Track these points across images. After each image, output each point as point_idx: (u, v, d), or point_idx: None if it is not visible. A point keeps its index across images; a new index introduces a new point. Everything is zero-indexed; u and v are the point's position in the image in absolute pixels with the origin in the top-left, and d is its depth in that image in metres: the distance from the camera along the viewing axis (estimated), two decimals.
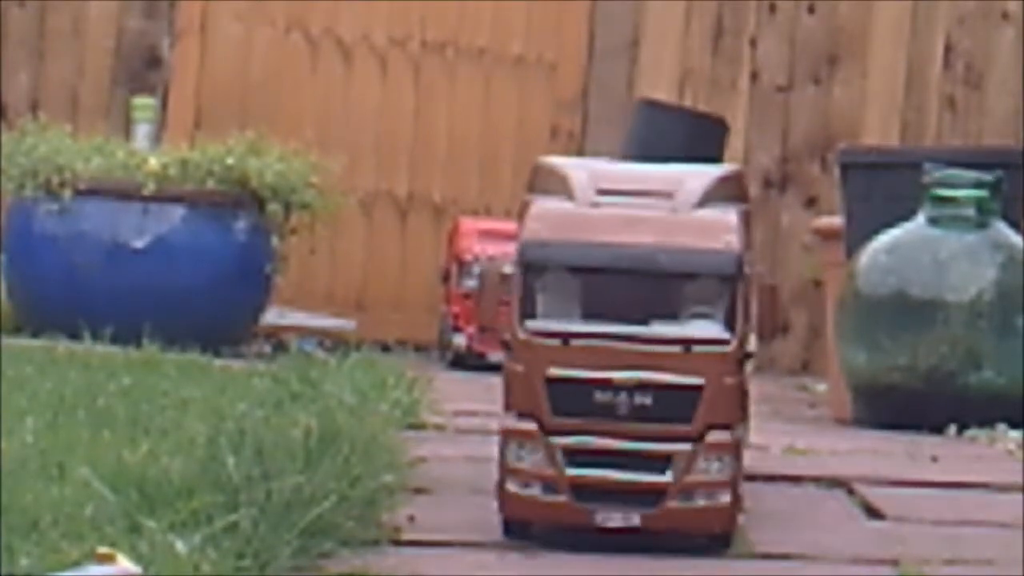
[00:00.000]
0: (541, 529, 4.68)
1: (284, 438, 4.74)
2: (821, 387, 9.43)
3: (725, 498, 4.59)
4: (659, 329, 4.63)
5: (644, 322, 4.62)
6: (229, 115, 9.45)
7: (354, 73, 9.92)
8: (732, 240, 4.67)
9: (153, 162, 8.64)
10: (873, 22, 9.87)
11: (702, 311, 4.67)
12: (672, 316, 4.65)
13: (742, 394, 4.74)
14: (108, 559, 3.14)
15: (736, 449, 4.66)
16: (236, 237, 8.59)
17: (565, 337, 4.60)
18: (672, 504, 4.56)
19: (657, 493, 4.57)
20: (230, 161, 8.56)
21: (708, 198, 4.77)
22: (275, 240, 8.62)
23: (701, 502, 4.58)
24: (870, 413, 7.80)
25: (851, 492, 5.65)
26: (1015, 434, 7.59)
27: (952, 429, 7.62)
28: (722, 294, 4.66)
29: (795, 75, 9.78)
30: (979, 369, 7.88)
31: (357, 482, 4.62)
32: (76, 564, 3.14)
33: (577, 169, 4.95)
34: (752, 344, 4.85)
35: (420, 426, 6.42)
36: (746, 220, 4.82)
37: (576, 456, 4.58)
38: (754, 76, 9.72)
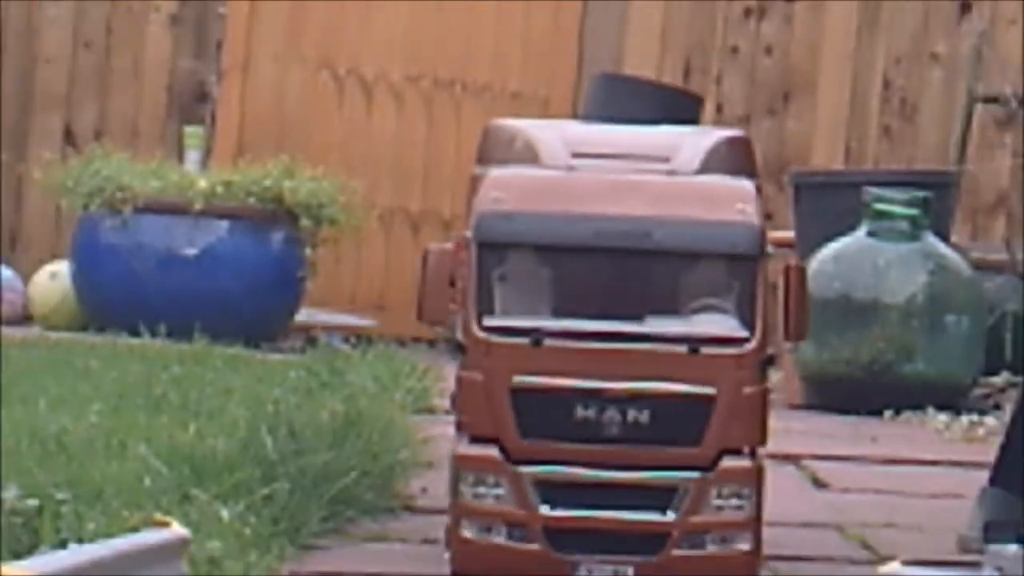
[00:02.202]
0: None
1: (314, 420, 4.75)
2: (775, 376, 9.41)
3: (744, 544, 3.33)
4: (657, 326, 3.37)
5: (637, 317, 3.37)
6: (267, 142, 9.44)
7: (374, 106, 9.89)
8: (749, 210, 3.42)
9: (202, 183, 8.64)
10: (821, 63, 9.85)
11: (711, 302, 3.42)
12: (673, 309, 3.41)
13: (765, 409, 3.42)
14: (163, 525, 3.15)
15: (758, 479, 3.37)
16: (273, 247, 8.58)
17: (535, 336, 3.32)
18: (676, 551, 3.29)
19: (657, 538, 3.29)
20: (267, 182, 8.56)
21: (710, 165, 3.55)
22: (306, 250, 8.60)
23: (713, 548, 3.31)
24: (818, 399, 7.82)
25: (801, 466, 5.66)
26: (943, 417, 7.62)
27: (889, 413, 7.64)
28: (736, 279, 3.40)
29: (754, 108, 9.75)
30: (912, 361, 7.91)
31: (377, 458, 4.63)
32: (135, 529, 3.15)
33: (545, 130, 3.71)
34: (776, 345, 3.56)
35: (431, 410, 6.39)
36: (759, 195, 3.53)
37: (552, 491, 3.30)
38: (719, 108, 9.69)
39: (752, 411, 3.36)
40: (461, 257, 3.46)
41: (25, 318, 8.79)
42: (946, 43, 10.06)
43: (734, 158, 3.62)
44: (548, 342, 3.31)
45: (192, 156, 9.26)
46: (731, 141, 3.70)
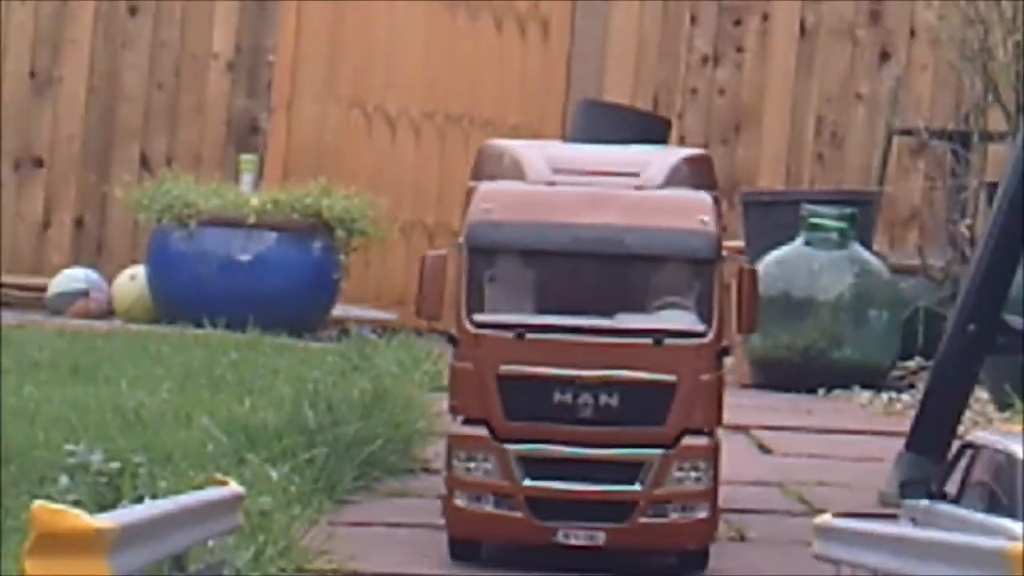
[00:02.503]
0: (493, 549, 3.40)
1: (347, 397, 4.74)
2: (728, 360, 9.41)
3: (702, 512, 3.30)
4: (626, 321, 3.35)
5: (609, 313, 3.35)
6: (308, 167, 9.41)
7: (397, 138, 9.87)
8: (707, 220, 3.40)
9: (254, 201, 8.63)
10: (765, 102, 9.84)
11: (674, 300, 3.39)
12: (640, 306, 3.39)
13: (720, 393, 3.43)
14: (222, 483, 3.14)
15: (715, 455, 3.36)
16: (313, 254, 8.55)
17: (519, 330, 3.31)
18: (642, 519, 3.27)
19: (625, 506, 3.27)
20: (309, 200, 8.54)
21: (674, 179, 3.53)
22: (340, 256, 8.58)
23: (675, 516, 3.29)
24: (763, 379, 7.80)
25: (749, 435, 5.65)
26: (866, 394, 7.62)
27: (822, 391, 7.61)
28: (696, 280, 3.38)
29: (709, 138, 9.72)
30: (841, 348, 7.90)
31: (399, 428, 4.62)
32: (199, 487, 3.15)
33: (529, 150, 3.68)
34: (729, 337, 3.57)
35: (443, 388, 6.38)
36: (717, 206, 3.54)
37: (534, 465, 3.28)
38: (681, 139, 9.67)
39: (709, 395, 3.33)
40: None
41: (109, 313, 8.79)
42: (869, 85, 10.05)
43: (695, 173, 3.59)
44: (530, 336, 3.29)
45: (246, 179, 9.25)
46: (693, 159, 3.69)
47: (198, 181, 8.97)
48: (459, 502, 3.27)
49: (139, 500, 3.03)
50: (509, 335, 3.27)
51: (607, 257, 3.33)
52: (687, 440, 3.25)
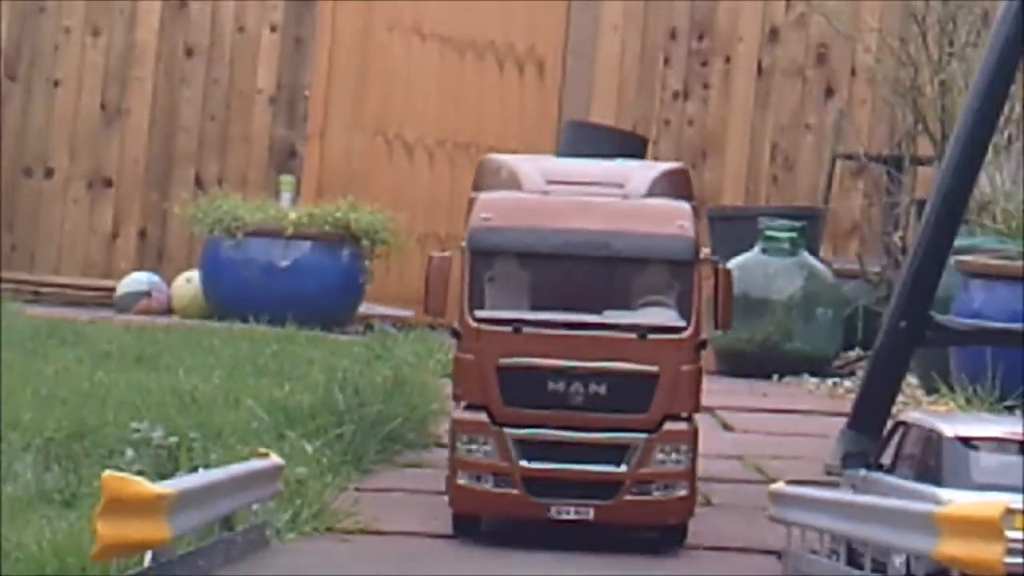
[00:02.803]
0: (491, 524, 3.30)
1: (371, 382, 4.74)
2: None
3: (682, 490, 3.25)
4: (613, 317, 3.26)
5: (597, 310, 3.26)
6: (337, 187, 9.41)
7: (414, 162, 9.87)
8: (686, 225, 3.33)
9: (292, 215, 8.63)
10: (728, 131, 9.84)
11: (656, 299, 3.30)
12: (626, 304, 3.29)
13: (698, 383, 3.36)
14: (264, 455, 3.15)
15: (694, 439, 3.30)
16: (342, 260, 8.55)
17: (516, 325, 3.22)
18: (627, 496, 3.19)
19: (612, 485, 3.19)
20: (338, 214, 8.54)
21: (655, 190, 3.45)
22: (366, 262, 8.60)
23: (657, 494, 3.22)
24: (726, 367, 7.79)
25: (714, 415, 5.64)
26: (814, 380, 7.64)
27: (775, 377, 7.63)
28: (676, 280, 3.31)
29: (681, 162, 9.75)
30: (792, 341, 7.91)
31: (415, 409, 4.62)
32: (244, 459, 3.15)
33: (525, 163, 3.59)
34: (707, 331, 3.48)
35: None
36: (695, 214, 3.46)
37: (529, 448, 3.19)
38: (656, 160, 9.70)
39: (689, 385, 3.26)
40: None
41: (168, 310, 8.80)
42: (816, 117, 10.04)
43: (674, 185, 3.51)
44: (526, 330, 3.21)
45: (285, 196, 9.26)
46: (672, 172, 3.61)
47: (244, 198, 8.98)
48: (461, 481, 3.20)
49: (194, 470, 3.03)
50: (507, 329, 3.19)
51: (596, 259, 3.25)
52: (668, 425, 3.18)
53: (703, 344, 3.32)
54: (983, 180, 7.06)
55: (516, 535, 3.19)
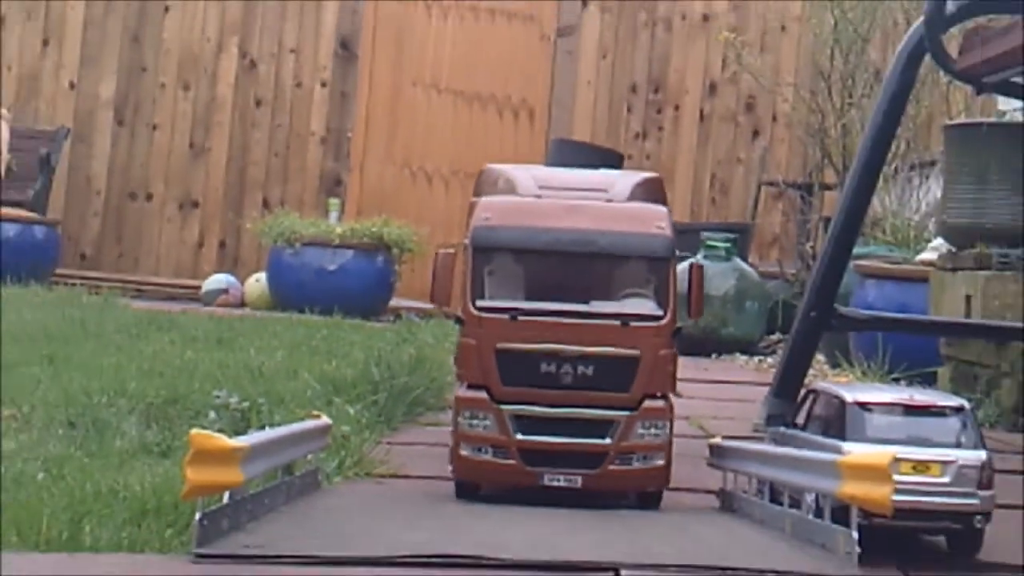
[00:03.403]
0: (489, 490, 3.04)
1: (399, 359, 4.72)
2: None
3: (660, 460, 2.98)
4: (599, 306, 3.01)
5: (585, 300, 3.01)
6: (373, 208, 9.41)
7: (432, 188, 9.87)
8: (664, 226, 3.08)
9: (338, 230, 8.63)
10: (676, 165, 9.80)
11: (636, 291, 3.05)
12: (610, 295, 3.05)
13: (674, 365, 3.08)
14: (316, 416, 3.14)
15: (670, 415, 3.02)
16: (377, 264, 8.54)
17: (513, 313, 2.97)
18: (611, 466, 2.95)
19: (598, 456, 2.95)
20: (374, 229, 8.54)
21: (635, 195, 3.21)
22: (395, 266, 8.61)
23: (638, 464, 2.96)
24: (677, 348, 7.79)
25: None
26: (744, 358, 7.64)
27: (714, 355, 7.62)
28: (654, 274, 3.05)
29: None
30: (727, 327, 7.90)
31: (434, 381, 4.60)
32: (301, 419, 3.14)
33: (519, 172, 3.34)
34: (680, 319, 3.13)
35: None
36: (669, 216, 3.19)
37: (524, 423, 2.95)
38: None
39: (666, 367, 3.02)
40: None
41: (242, 304, 8.80)
42: (745, 153, 10.05)
43: (651, 191, 3.28)
44: (522, 318, 2.97)
45: (332, 215, 9.27)
46: (649, 180, 3.36)
47: (300, 216, 8.99)
48: (464, 452, 2.96)
49: (261, 428, 3.03)
50: (505, 317, 2.96)
51: (583, 255, 3.02)
52: (648, 403, 2.96)
53: (678, 331, 3.05)
54: (875, 202, 7.09)
55: (512, 499, 2.99)
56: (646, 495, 3.01)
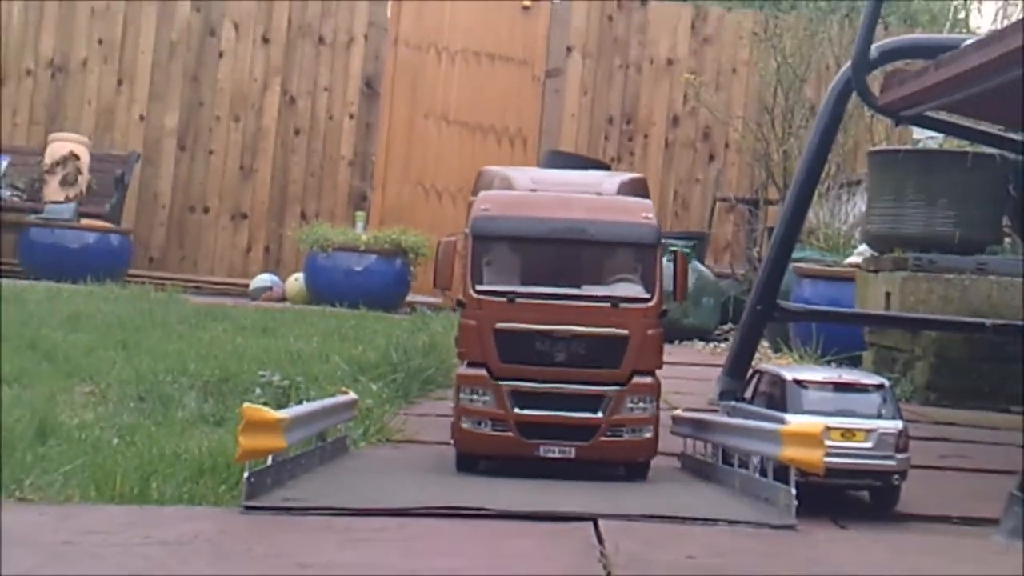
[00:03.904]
0: (489, 463, 2.78)
1: (415, 344, 4.73)
2: None
3: (648, 433, 2.73)
4: (590, 290, 2.75)
5: (577, 285, 2.75)
6: (393, 220, 9.39)
7: (442, 203, 9.84)
8: (650, 216, 2.83)
9: (363, 237, 8.60)
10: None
11: (625, 276, 2.80)
12: (600, 280, 2.78)
13: (661, 344, 2.84)
14: (345, 392, 3.13)
15: (657, 391, 2.79)
16: (396, 266, 8.51)
17: (510, 296, 2.71)
18: (603, 438, 2.69)
19: (590, 428, 2.69)
20: (393, 236, 8.51)
21: (622, 192, 2.97)
22: (411, 268, 8.60)
23: (627, 436, 2.71)
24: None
25: None
26: (701, 344, 7.63)
27: (676, 342, 7.61)
28: (642, 261, 2.80)
29: None
30: (688, 318, 7.89)
31: (443, 362, 4.56)
32: (332, 395, 3.13)
33: (516, 171, 3.10)
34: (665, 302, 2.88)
35: None
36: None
37: (521, 398, 2.69)
38: None
39: (653, 346, 2.78)
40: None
41: (283, 299, 8.79)
42: (702, 174, 10.05)
43: (636, 189, 3.04)
44: (519, 300, 2.72)
45: (359, 225, 9.26)
46: (635, 179, 3.10)
47: (332, 226, 8.98)
48: (465, 425, 2.70)
49: (300, 403, 3.03)
50: (503, 300, 2.71)
51: (575, 243, 2.75)
52: (636, 379, 2.71)
53: (664, 313, 2.81)
54: (811, 215, 7.09)
55: (510, 469, 2.74)
56: (634, 465, 2.78)
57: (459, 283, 2.82)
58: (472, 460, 2.75)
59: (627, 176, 3.09)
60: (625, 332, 2.72)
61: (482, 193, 2.95)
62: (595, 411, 2.70)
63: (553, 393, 2.69)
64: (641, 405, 2.71)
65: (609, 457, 2.72)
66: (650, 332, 2.76)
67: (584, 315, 2.70)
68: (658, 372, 2.80)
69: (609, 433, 2.69)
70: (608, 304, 2.72)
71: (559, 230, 2.75)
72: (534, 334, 2.68)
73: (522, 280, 2.74)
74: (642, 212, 2.82)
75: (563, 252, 2.76)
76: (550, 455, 2.67)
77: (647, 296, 2.77)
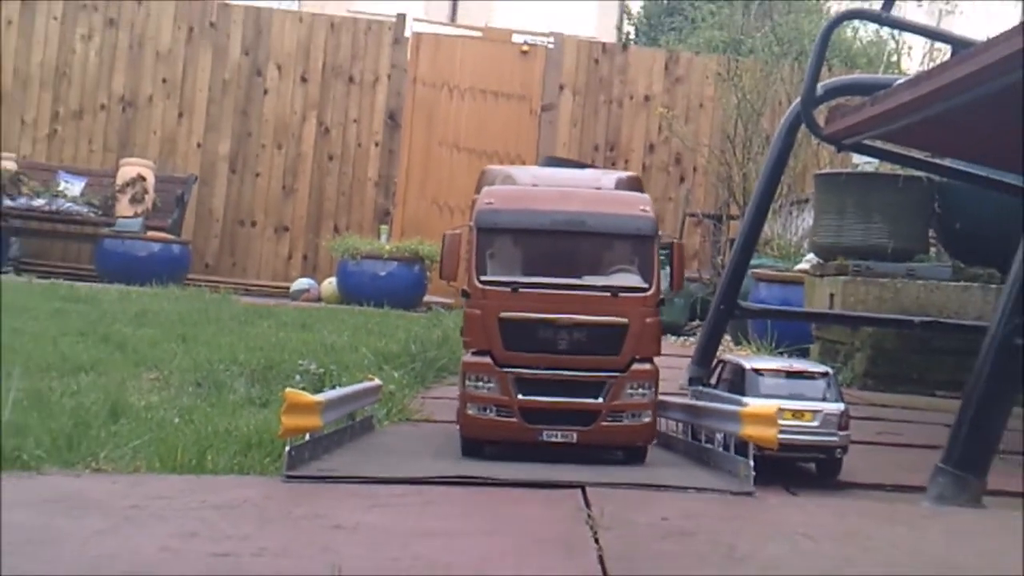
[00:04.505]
0: (493, 448, 2.50)
1: (430, 338, 4.73)
2: None
3: (647, 418, 2.48)
4: (590, 280, 2.47)
5: (578, 275, 2.47)
6: (412, 232, 9.39)
7: (454, 218, 9.79)
8: (647, 209, 2.55)
9: (387, 246, 8.59)
10: None
11: (623, 266, 2.52)
12: (600, 270, 2.50)
13: (659, 333, 2.59)
14: (371, 379, 3.12)
15: (655, 377, 2.54)
16: (414, 272, 8.49)
17: (513, 286, 2.44)
18: (603, 423, 2.43)
19: (591, 414, 2.43)
20: (412, 246, 8.51)
21: (619, 187, 2.71)
22: (427, 273, 8.58)
23: (627, 421, 2.44)
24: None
25: None
26: (673, 338, 7.57)
27: None
28: (640, 251, 2.52)
29: None
30: (661, 315, 7.87)
31: (454, 353, 4.54)
32: (360, 381, 3.12)
33: (517, 170, 2.85)
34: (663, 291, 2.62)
35: None
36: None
37: (525, 384, 2.42)
38: None
39: (651, 334, 2.51)
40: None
41: (319, 299, 8.79)
42: (674, 193, 10.03)
43: (632, 186, 2.77)
44: (522, 290, 2.44)
45: (383, 237, 9.26)
46: (631, 177, 2.84)
47: (360, 237, 8.98)
48: (470, 411, 2.43)
49: (333, 388, 3.02)
50: (507, 289, 2.42)
51: (576, 234, 2.46)
52: (635, 366, 2.45)
53: (662, 302, 2.55)
54: (766, 228, 7.09)
55: (514, 453, 2.48)
56: (633, 449, 2.51)
57: (464, 274, 2.57)
58: (477, 445, 2.48)
59: (623, 174, 2.83)
60: (625, 320, 2.45)
61: (485, 189, 2.68)
62: (596, 397, 2.43)
63: (555, 379, 2.42)
64: (640, 391, 2.46)
65: (609, 441, 2.45)
66: (648, 320, 2.50)
67: (585, 304, 2.43)
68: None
69: (609, 418, 2.43)
70: (608, 293, 2.46)
71: (560, 222, 2.46)
72: (537, 322, 2.42)
73: (525, 271, 2.47)
74: (640, 205, 2.55)
75: (564, 243, 2.48)
76: (552, 439, 2.41)
77: (646, 285, 2.51)
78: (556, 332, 2.42)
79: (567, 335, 2.42)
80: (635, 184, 2.82)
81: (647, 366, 2.49)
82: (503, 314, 2.43)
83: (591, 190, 2.62)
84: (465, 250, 2.59)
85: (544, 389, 2.41)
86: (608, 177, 2.78)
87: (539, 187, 2.61)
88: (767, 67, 9.27)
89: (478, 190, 2.78)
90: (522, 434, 2.42)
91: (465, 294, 2.51)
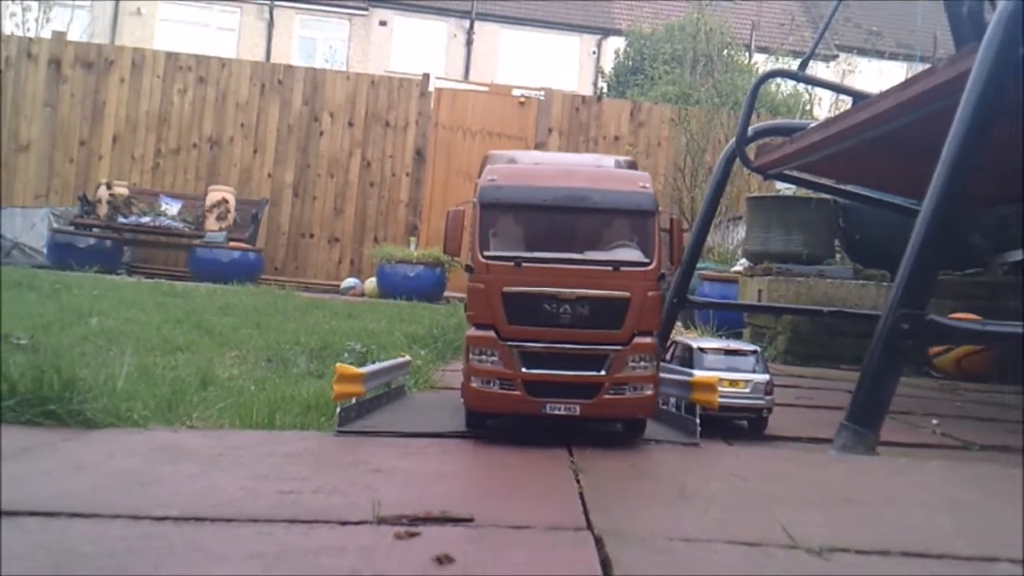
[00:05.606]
0: (496, 421, 2.13)
1: (449, 324, 4.70)
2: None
3: (648, 391, 2.03)
4: (592, 254, 2.04)
5: (580, 250, 2.04)
6: (435, 242, 9.39)
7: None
8: (647, 186, 2.11)
9: (415, 253, 8.60)
10: None
11: (625, 242, 2.07)
12: (602, 245, 2.06)
13: (660, 307, 2.07)
14: (402, 356, 3.11)
15: (656, 350, 2.06)
16: (436, 273, 8.48)
17: (517, 261, 2.02)
18: (606, 396, 2.00)
19: (594, 387, 2.00)
20: (435, 253, 8.50)
21: (619, 168, 2.27)
22: (447, 274, 8.58)
23: (629, 394, 2.00)
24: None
25: None
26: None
27: None
28: (640, 227, 2.08)
29: None
30: None
31: None
32: (394, 357, 3.12)
33: (519, 153, 2.31)
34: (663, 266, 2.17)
35: None
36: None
37: (528, 358, 2.00)
38: None
39: (652, 307, 2.03)
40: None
41: (363, 295, 8.78)
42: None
43: (629, 167, 2.28)
44: (525, 264, 2.01)
45: (412, 246, 9.24)
46: (628, 160, 2.33)
47: (394, 246, 8.97)
48: (474, 385, 2.03)
49: (373, 363, 3.02)
50: (510, 264, 2.02)
51: (578, 210, 2.05)
52: (637, 339, 2.01)
53: (662, 277, 2.10)
54: (709, 239, 7.07)
55: (517, 425, 2.16)
56: (634, 422, 2.10)
57: (468, 250, 2.19)
58: (480, 417, 2.05)
59: (621, 158, 2.39)
60: (627, 294, 1.97)
61: (488, 167, 2.24)
62: (598, 370, 1.98)
63: (558, 353, 1.98)
64: (642, 364, 2.00)
65: (611, 414, 1.97)
66: (650, 294, 2.02)
67: (587, 278, 1.98)
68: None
69: (612, 391, 1.98)
70: (610, 268, 2.01)
71: (562, 198, 2.01)
72: (540, 296, 1.98)
73: (527, 246, 2.05)
74: (640, 182, 2.12)
75: (566, 219, 2.04)
76: (556, 412, 2.00)
77: (647, 260, 2.06)
78: (559, 306, 1.96)
79: (570, 309, 1.97)
80: (632, 167, 2.40)
81: (648, 339, 2.00)
82: (506, 288, 1.98)
83: (593, 168, 2.25)
84: (469, 226, 2.21)
85: (547, 362, 1.92)
86: (607, 159, 2.38)
87: (541, 165, 2.22)
88: (709, 114, 9.28)
89: (481, 172, 2.38)
90: (525, 407, 1.97)
91: (469, 269, 2.05)
